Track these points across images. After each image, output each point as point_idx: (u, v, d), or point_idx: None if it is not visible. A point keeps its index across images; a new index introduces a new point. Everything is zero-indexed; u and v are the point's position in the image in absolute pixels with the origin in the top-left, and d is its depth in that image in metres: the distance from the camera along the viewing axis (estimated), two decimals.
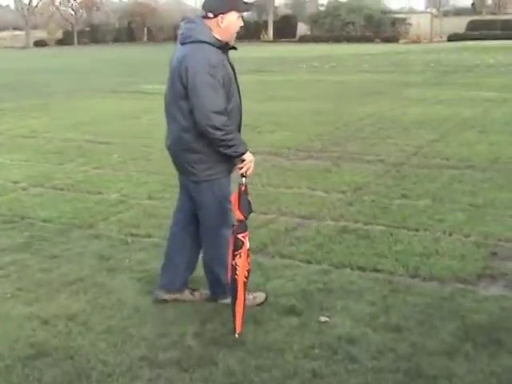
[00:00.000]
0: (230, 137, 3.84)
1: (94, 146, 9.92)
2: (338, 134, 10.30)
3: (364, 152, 8.82)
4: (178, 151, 4.06)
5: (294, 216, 6.10)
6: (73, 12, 72.43)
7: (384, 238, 5.37)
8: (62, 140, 10.56)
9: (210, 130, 3.80)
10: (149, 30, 69.45)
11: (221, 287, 4.21)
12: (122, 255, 5.19)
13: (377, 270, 4.75)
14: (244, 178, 3.95)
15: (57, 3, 72.60)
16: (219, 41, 3.89)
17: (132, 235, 5.66)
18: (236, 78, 4.05)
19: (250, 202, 3.94)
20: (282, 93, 16.68)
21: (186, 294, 4.35)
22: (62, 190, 7.32)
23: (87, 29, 72.32)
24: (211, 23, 3.88)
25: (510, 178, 7.19)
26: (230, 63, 4.01)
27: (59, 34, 71.31)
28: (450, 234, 5.42)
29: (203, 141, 3.90)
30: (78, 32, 69.88)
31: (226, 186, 4.09)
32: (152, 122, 12.17)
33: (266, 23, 65.70)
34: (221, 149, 3.89)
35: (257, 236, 5.42)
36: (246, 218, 3.91)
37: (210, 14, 3.87)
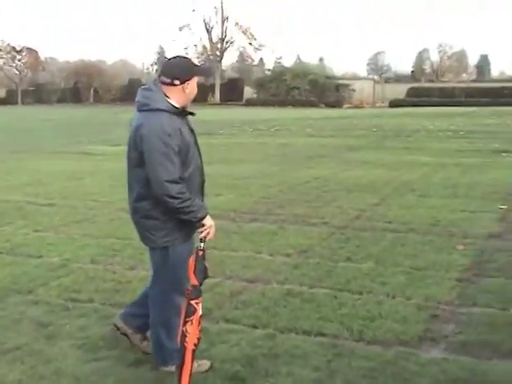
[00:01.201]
0: (187, 204, 3.85)
1: (36, 208, 9.76)
2: (283, 197, 10.40)
3: (309, 215, 8.90)
4: (137, 218, 4.08)
5: (240, 279, 6.07)
6: (17, 71, 72.06)
7: (328, 302, 5.39)
8: (2, 201, 10.35)
9: (167, 199, 3.82)
10: (95, 91, 69.49)
11: (163, 353, 4.15)
12: (61, 321, 5.04)
13: (321, 334, 4.74)
14: (202, 243, 3.94)
15: (1, 62, 72.19)
16: (176, 108, 3.92)
17: (73, 300, 5.53)
18: (196, 141, 4.10)
19: (206, 268, 3.93)
20: (228, 155, 16.82)
21: (136, 338, 4.33)
22: (0, 253, 7.14)
23: (31, 88, 71.90)
24: (174, 90, 3.92)
25: (449, 240, 7.34)
26: (189, 127, 4.06)
27: (2, 93, 70.68)
28: (393, 297, 5.47)
29: (159, 208, 3.91)
30: (22, 91, 69.44)
31: (183, 253, 4.04)
32: (96, 183, 12.11)
33: (212, 86, 66.59)
34: (179, 215, 3.90)
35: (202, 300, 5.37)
36: (201, 283, 3.88)
37: (177, 82, 3.91)
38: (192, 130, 4.09)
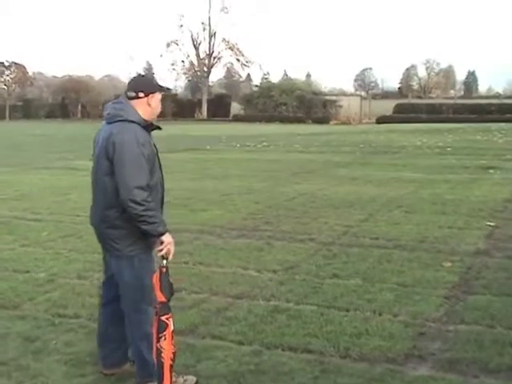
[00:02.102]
0: (150, 213, 3.91)
1: (23, 223, 9.72)
2: (270, 213, 10.40)
3: (296, 231, 8.92)
4: (103, 228, 4.13)
5: (226, 296, 6.07)
6: (5, 87, 71.79)
7: (315, 318, 5.39)
8: None
9: (131, 205, 3.87)
10: (83, 106, 69.29)
11: (148, 367, 4.12)
12: (48, 337, 5.03)
13: (308, 351, 4.75)
14: (165, 260, 3.96)
15: None
16: (145, 121, 4.09)
17: (59, 316, 5.52)
18: (158, 156, 4.21)
19: (171, 284, 3.94)
20: (215, 171, 16.83)
21: (126, 367, 4.35)
22: None
23: (19, 103, 71.61)
24: (140, 103, 4.09)
25: (436, 257, 7.37)
26: (152, 140, 4.20)
27: None
28: (380, 314, 5.48)
29: (126, 216, 3.96)
30: (10, 106, 69.11)
31: (148, 262, 4.11)
32: (83, 198, 12.01)
33: (200, 102, 66.63)
34: (141, 225, 3.94)
35: (188, 316, 5.38)
36: (169, 299, 3.90)
37: (141, 94, 4.09)
38: (155, 145, 4.21)
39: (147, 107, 4.10)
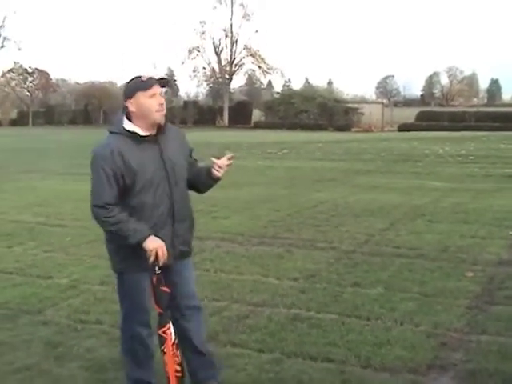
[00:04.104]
0: (116, 228, 3.75)
1: (46, 229, 9.81)
2: (291, 221, 10.40)
3: (316, 239, 8.90)
4: (104, 241, 4.07)
5: (247, 303, 6.07)
6: (28, 93, 72.54)
7: (336, 327, 5.38)
8: (12, 221, 10.43)
9: (98, 223, 3.85)
10: (105, 113, 69.80)
11: (128, 382, 4.10)
12: (70, 342, 5.07)
13: (329, 360, 4.73)
14: (156, 267, 3.80)
15: (13, 84, 72.71)
16: (127, 131, 3.81)
17: (81, 322, 5.56)
18: (166, 168, 3.89)
19: (166, 292, 3.84)
20: (237, 178, 16.80)
21: None
22: (10, 273, 7.19)
23: (42, 110, 72.31)
24: (129, 110, 3.83)
25: (458, 267, 7.32)
26: (160, 153, 3.88)
27: (14, 115, 71.19)
28: (401, 324, 5.45)
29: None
30: (33, 113, 69.82)
31: (139, 281, 3.92)
32: None
33: (221, 109, 66.86)
34: (119, 239, 3.82)
35: (209, 324, 5.38)
36: (165, 309, 3.86)
37: (124, 102, 3.86)
38: (162, 154, 3.88)
39: (132, 113, 3.81)
